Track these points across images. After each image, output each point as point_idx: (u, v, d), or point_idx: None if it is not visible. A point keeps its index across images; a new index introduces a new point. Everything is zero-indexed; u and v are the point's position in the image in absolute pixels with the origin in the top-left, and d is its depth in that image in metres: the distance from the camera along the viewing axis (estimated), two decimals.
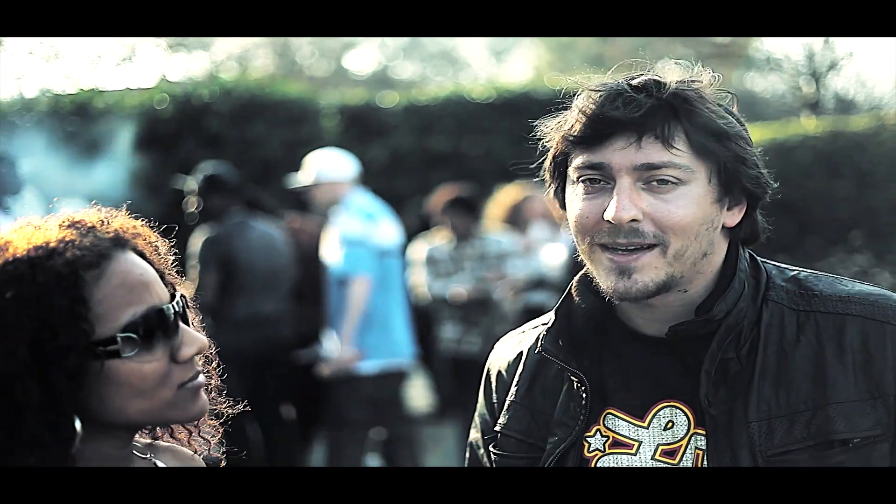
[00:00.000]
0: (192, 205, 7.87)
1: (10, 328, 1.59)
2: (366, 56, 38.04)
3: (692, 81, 2.00)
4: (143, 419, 1.75)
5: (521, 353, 2.24)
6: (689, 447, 2.00)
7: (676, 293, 2.01)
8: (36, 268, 1.62)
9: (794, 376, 1.95)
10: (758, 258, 2.12)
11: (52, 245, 1.65)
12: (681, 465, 2.00)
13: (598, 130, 1.95)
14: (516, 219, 9.03)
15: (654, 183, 1.93)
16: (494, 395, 2.28)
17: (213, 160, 9.07)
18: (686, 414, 2.01)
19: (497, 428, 2.21)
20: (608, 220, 1.94)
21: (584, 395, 2.06)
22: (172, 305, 1.74)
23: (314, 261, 7.92)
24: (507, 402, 2.21)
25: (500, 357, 2.31)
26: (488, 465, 2.23)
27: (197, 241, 7.63)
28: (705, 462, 1.96)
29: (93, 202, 1.86)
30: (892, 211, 12.23)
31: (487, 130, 15.17)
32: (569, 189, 2.05)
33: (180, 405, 1.74)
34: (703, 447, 1.97)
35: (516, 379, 2.22)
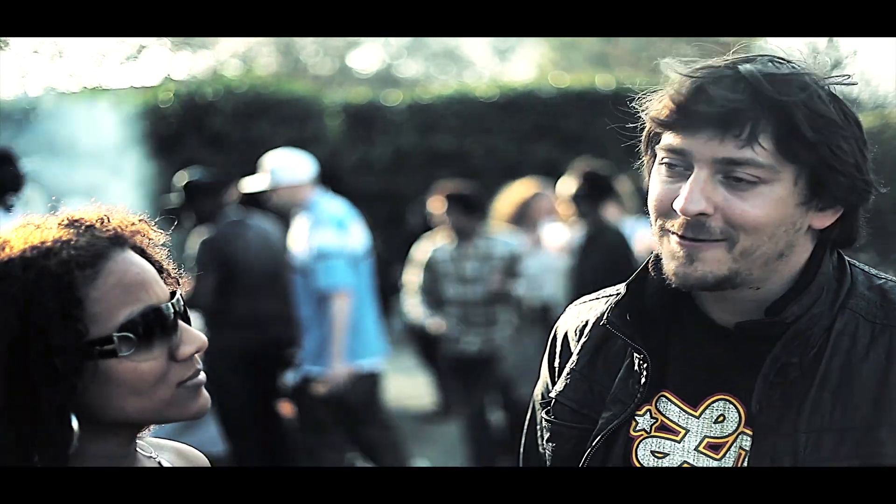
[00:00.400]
0: (185, 216, 7.86)
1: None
2: (370, 55, 38.00)
3: (796, 76, 1.88)
4: (143, 417, 1.74)
5: (588, 321, 2.18)
6: (735, 445, 1.95)
7: (748, 289, 1.94)
8: (28, 268, 1.62)
9: (854, 391, 1.87)
10: (849, 262, 2.03)
11: (47, 245, 1.65)
12: (723, 460, 1.95)
13: (682, 120, 1.89)
14: (524, 217, 8.96)
15: (734, 178, 1.86)
16: (557, 358, 2.22)
17: (202, 165, 9.07)
18: (738, 410, 1.96)
19: (552, 394, 2.16)
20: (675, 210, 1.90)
21: (644, 374, 2.02)
22: (172, 304, 1.74)
23: None
24: (568, 370, 2.15)
25: (567, 321, 2.24)
26: (544, 427, 2.18)
27: (195, 242, 7.61)
28: (746, 463, 1.91)
29: (93, 199, 1.86)
30: None
31: (491, 129, 15.20)
32: (654, 167, 1.99)
33: (179, 403, 1.74)
34: (747, 448, 1.92)
35: (579, 347, 2.16)
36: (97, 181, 9.09)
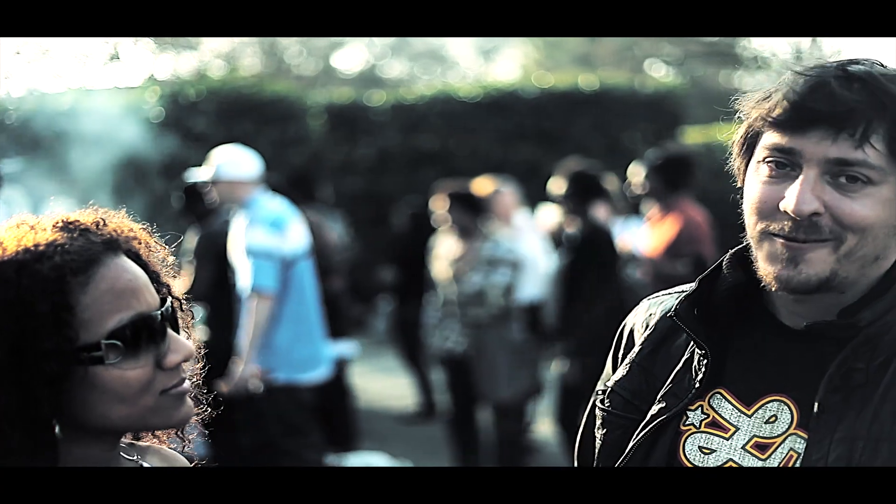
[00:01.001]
0: (185, 217, 7.93)
1: None
2: (354, 55, 37.99)
3: None
4: (126, 425, 1.73)
5: (654, 314, 2.18)
6: (783, 446, 1.93)
7: (834, 294, 1.93)
8: (22, 271, 1.61)
9: None
10: None
11: (41, 248, 1.64)
12: (768, 461, 1.93)
13: (796, 118, 1.87)
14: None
15: (843, 179, 1.85)
16: (621, 350, 2.23)
17: (185, 166, 9.07)
18: (791, 411, 1.94)
19: (609, 383, 2.17)
20: (785, 211, 1.88)
21: (702, 370, 2.02)
22: (162, 311, 1.73)
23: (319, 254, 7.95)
24: (629, 360, 2.15)
25: (637, 315, 2.25)
26: (596, 415, 2.19)
27: (192, 237, 7.66)
28: (797, 465, 1.89)
29: (90, 203, 1.85)
30: None
31: (475, 129, 15.21)
32: (752, 167, 1.97)
33: (163, 411, 1.73)
34: (800, 450, 1.90)
35: (642, 339, 2.16)
36: (80, 182, 9.07)
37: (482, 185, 9.15)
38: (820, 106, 1.85)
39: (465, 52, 37.91)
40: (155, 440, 1.96)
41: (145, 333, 1.69)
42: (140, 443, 1.95)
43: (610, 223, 7.89)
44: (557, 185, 7.70)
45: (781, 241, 1.89)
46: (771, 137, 1.91)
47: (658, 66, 28.93)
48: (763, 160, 1.93)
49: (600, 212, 7.67)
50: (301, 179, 9.97)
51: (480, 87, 16.33)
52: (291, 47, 34.21)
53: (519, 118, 15.38)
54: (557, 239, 9.00)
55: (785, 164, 1.90)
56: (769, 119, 1.91)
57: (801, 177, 1.87)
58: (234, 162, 7.09)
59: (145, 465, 1.91)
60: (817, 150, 1.85)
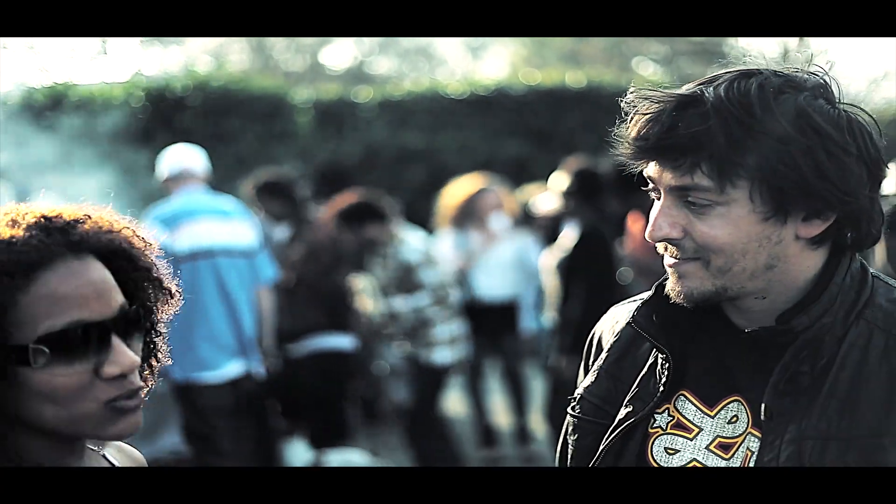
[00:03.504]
0: None
1: None
2: (341, 51, 37.95)
3: (748, 98, 1.90)
4: (59, 427, 1.70)
5: (620, 322, 2.24)
6: (743, 445, 1.99)
7: (753, 299, 2.00)
8: None
9: (864, 401, 1.88)
10: (872, 273, 2.04)
11: None
12: (731, 460, 1.99)
13: (638, 151, 1.97)
14: (471, 213, 8.95)
15: (692, 203, 1.93)
16: (591, 359, 2.28)
17: None
18: (747, 411, 2.00)
19: (579, 390, 2.22)
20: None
21: (665, 373, 2.07)
22: (114, 319, 1.70)
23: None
24: (596, 367, 2.21)
25: (604, 322, 2.32)
26: (569, 421, 2.23)
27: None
28: (752, 464, 1.95)
29: (81, 199, 1.83)
30: None
31: (462, 126, 15.21)
32: None
33: (101, 422, 1.70)
34: (755, 449, 1.96)
35: (608, 346, 2.21)
36: (67, 177, 9.04)
37: (470, 184, 9.15)
38: (653, 139, 1.92)
39: (453, 49, 37.88)
40: None
41: (80, 342, 1.66)
42: None
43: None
44: (560, 182, 7.71)
45: (666, 260, 2.01)
46: (643, 168, 2.01)
47: (646, 64, 28.98)
48: (650, 189, 2.03)
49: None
50: (332, 173, 9.97)
51: (468, 84, 16.35)
52: (279, 44, 34.14)
53: (507, 115, 15.39)
54: (552, 229, 9.04)
55: (656, 192, 2.00)
56: (624, 155, 2.00)
57: (658, 203, 1.98)
58: (165, 161, 7.21)
59: (108, 455, 1.90)
60: (663, 178, 1.96)
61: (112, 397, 1.69)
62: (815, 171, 1.88)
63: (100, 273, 1.71)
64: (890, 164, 2.13)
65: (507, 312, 8.90)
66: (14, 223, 1.69)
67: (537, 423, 9.06)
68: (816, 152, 1.88)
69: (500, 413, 9.68)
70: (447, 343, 7.82)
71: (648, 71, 26.75)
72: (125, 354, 1.70)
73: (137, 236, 1.82)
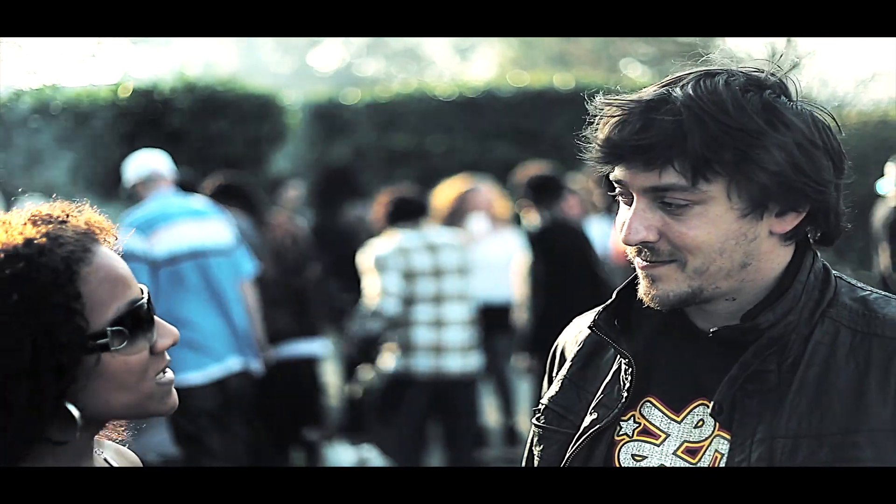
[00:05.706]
0: None
1: (13, 328, 1.60)
2: (330, 53, 37.93)
3: (716, 95, 1.91)
4: (126, 412, 1.77)
5: (583, 331, 2.23)
6: (710, 448, 1.98)
7: (723, 301, 2.00)
8: (32, 266, 1.63)
9: (833, 398, 1.89)
10: (834, 275, 2.05)
11: (39, 242, 1.66)
12: (699, 464, 1.98)
13: (610, 154, 1.97)
14: (461, 212, 8.99)
15: (668, 204, 1.92)
16: (555, 369, 2.28)
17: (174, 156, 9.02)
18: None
19: (543, 401, 2.21)
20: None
21: (629, 379, 2.06)
22: (147, 298, 1.76)
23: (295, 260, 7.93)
24: (560, 376, 2.20)
25: (567, 333, 2.31)
26: (533, 431, 2.23)
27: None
28: (722, 465, 1.94)
29: (53, 196, 1.85)
30: (854, 208, 12.31)
31: (450, 128, 15.20)
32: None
33: (159, 398, 1.76)
34: (724, 451, 1.95)
35: (572, 355, 2.21)
36: (54, 179, 9.03)
37: (459, 183, 9.16)
38: (624, 141, 1.92)
39: (441, 50, 37.91)
40: (104, 435, 1.95)
41: (140, 319, 1.72)
42: (99, 439, 1.94)
43: (582, 219, 7.94)
44: (519, 187, 7.95)
45: (639, 261, 1.99)
46: (612, 172, 2.00)
47: (634, 65, 29.04)
48: (617, 193, 2.02)
49: (572, 207, 7.74)
50: (341, 175, 9.96)
51: (456, 85, 16.34)
52: (267, 45, 34.13)
53: (495, 117, 15.39)
54: None
55: (626, 195, 1.99)
56: (593, 159, 2.01)
57: (632, 206, 1.97)
58: (131, 166, 7.24)
59: (108, 458, 1.92)
60: (636, 180, 1.95)
61: (159, 371, 1.76)
62: (790, 165, 1.90)
63: (119, 257, 1.77)
64: (889, 165, 2.15)
65: (499, 314, 8.91)
66: (35, 222, 1.71)
67: (525, 424, 9.06)
68: (789, 146, 1.90)
69: (489, 413, 9.69)
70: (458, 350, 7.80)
71: (637, 73, 26.81)
72: (168, 327, 1.78)
73: (113, 229, 1.84)
